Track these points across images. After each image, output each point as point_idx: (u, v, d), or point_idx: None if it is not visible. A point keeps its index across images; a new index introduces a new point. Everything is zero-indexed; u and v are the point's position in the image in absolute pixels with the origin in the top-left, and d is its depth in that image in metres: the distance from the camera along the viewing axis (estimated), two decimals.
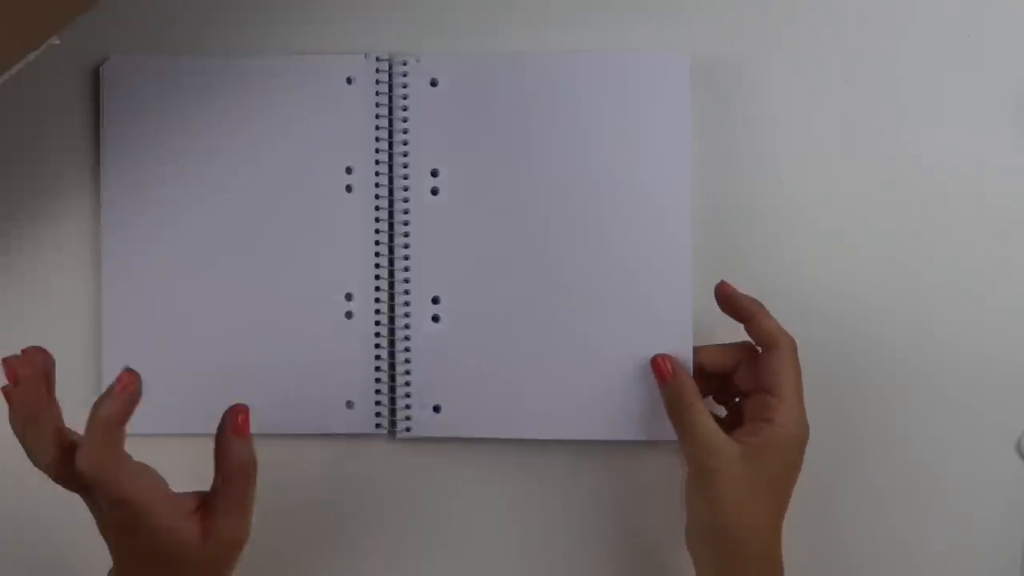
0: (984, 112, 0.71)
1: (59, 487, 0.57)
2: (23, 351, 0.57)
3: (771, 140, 0.71)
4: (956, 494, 0.70)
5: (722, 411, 0.68)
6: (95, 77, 0.70)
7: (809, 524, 0.66)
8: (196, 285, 0.70)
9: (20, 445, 0.56)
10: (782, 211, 0.71)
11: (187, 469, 0.69)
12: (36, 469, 0.57)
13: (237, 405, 0.59)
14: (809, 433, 0.63)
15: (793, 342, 0.64)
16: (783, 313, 0.66)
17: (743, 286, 0.66)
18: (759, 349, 0.65)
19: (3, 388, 0.56)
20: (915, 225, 0.71)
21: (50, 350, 0.69)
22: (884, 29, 0.71)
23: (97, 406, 0.55)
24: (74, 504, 0.58)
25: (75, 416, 0.69)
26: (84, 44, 0.70)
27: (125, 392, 0.56)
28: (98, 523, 0.58)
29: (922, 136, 0.71)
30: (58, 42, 0.58)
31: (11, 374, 0.56)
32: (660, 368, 0.66)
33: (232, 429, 0.58)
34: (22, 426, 0.56)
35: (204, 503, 0.58)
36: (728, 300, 0.66)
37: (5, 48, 0.56)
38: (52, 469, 0.56)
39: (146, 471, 0.57)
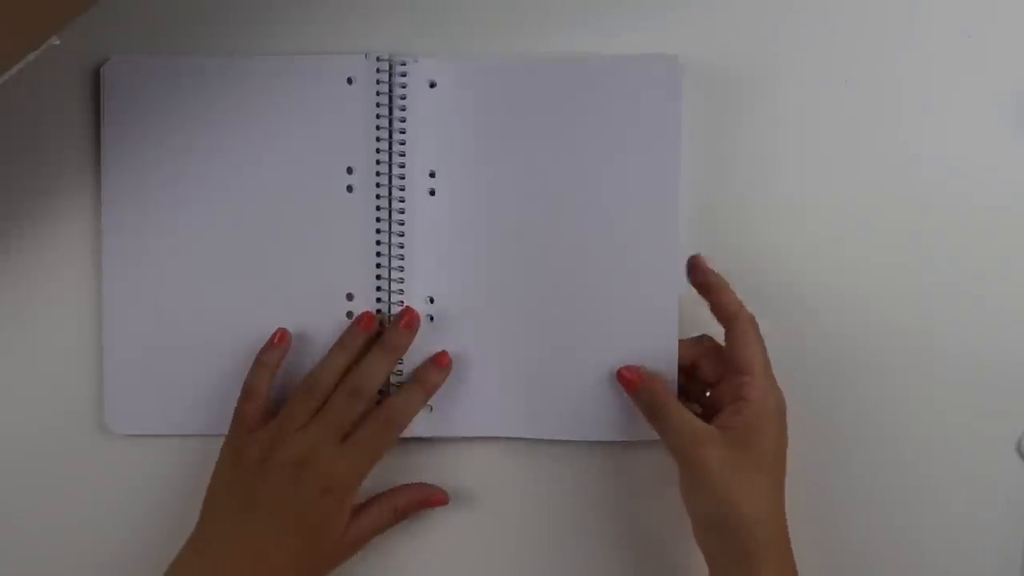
0: (984, 112, 0.71)
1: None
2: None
3: (770, 140, 0.71)
4: (956, 494, 0.70)
5: (697, 409, 0.67)
6: (96, 78, 0.70)
7: (808, 525, 0.66)
8: (197, 286, 0.70)
9: None
10: (780, 211, 0.71)
11: (185, 470, 0.70)
12: None
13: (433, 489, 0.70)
14: (785, 402, 0.63)
15: (752, 317, 0.65)
16: (781, 313, 0.66)
17: (739, 286, 0.66)
18: (718, 340, 0.66)
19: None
20: (915, 225, 0.71)
21: (50, 350, 0.70)
22: (884, 29, 0.71)
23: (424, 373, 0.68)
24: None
25: (72, 418, 0.70)
26: (85, 44, 0.70)
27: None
28: (268, 455, 0.64)
29: (921, 136, 0.71)
30: (58, 42, 0.58)
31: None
32: (626, 379, 0.67)
33: (428, 500, 0.69)
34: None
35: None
36: (696, 271, 0.66)
37: (5, 48, 0.56)
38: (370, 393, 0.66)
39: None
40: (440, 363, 0.68)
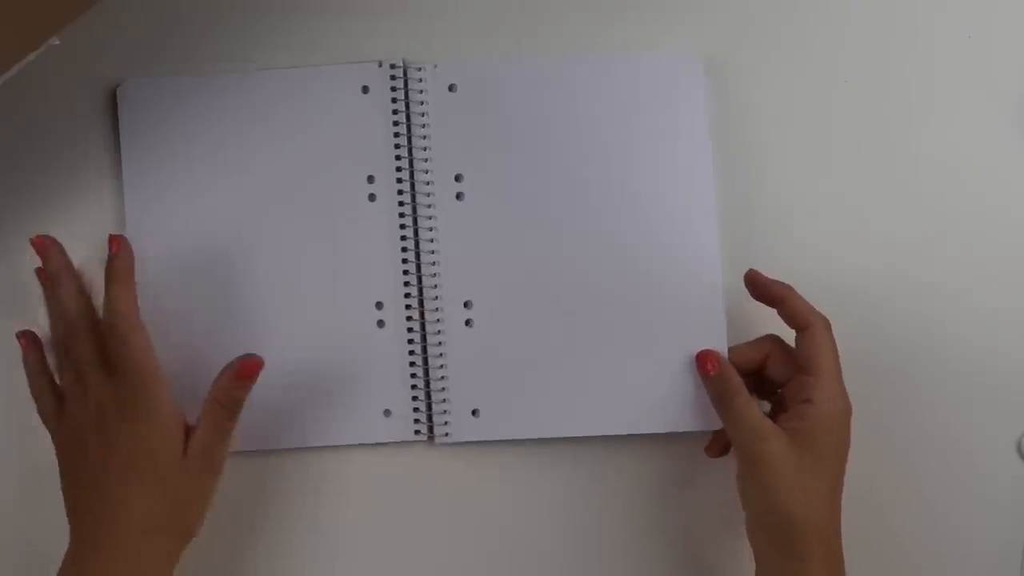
0: (984, 112, 0.72)
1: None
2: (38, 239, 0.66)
3: (770, 140, 0.72)
4: (956, 494, 0.70)
5: (766, 406, 0.67)
6: (113, 99, 0.69)
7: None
8: (225, 303, 0.69)
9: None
10: (777, 211, 0.72)
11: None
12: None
13: (256, 359, 0.63)
14: (851, 408, 0.63)
15: (827, 320, 0.64)
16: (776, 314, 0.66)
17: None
18: (786, 340, 0.66)
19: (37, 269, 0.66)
20: (915, 225, 0.72)
21: None
22: (884, 29, 0.73)
23: (109, 266, 0.64)
24: None
25: None
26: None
27: (122, 248, 0.64)
28: (79, 428, 0.63)
29: (921, 136, 0.72)
30: (58, 42, 0.57)
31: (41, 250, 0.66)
32: (703, 363, 0.67)
33: (241, 372, 0.63)
34: (52, 291, 0.65)
35: (188, 425, 0.63)
36: (757, 286, 0.67)
37: (5, 48, 0.56)
38: (80, 324, 0.64)
39: (153, 349, 0.63)
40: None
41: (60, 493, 0.63)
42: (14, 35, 0.56)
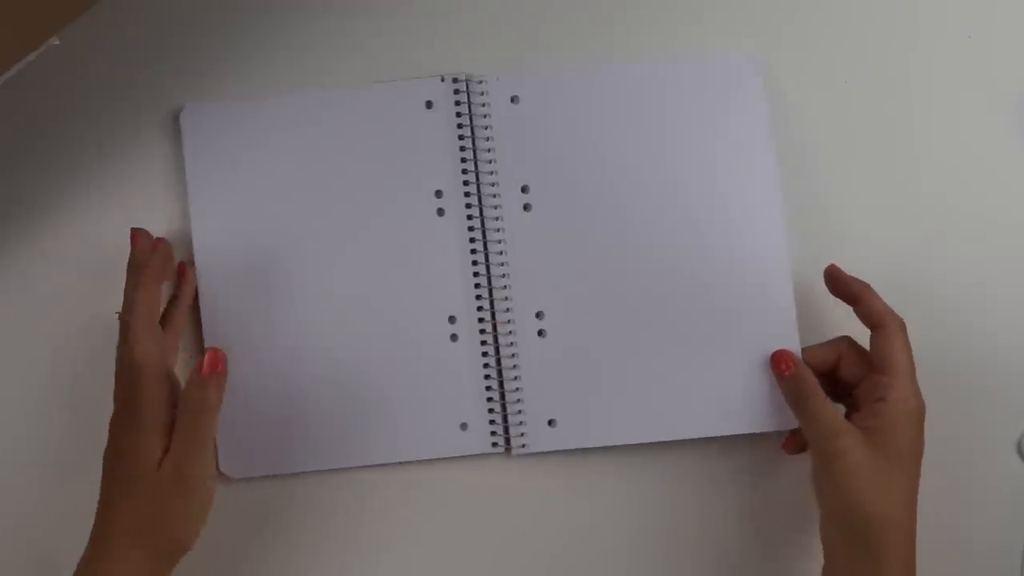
0: (984, 112, 0.72)
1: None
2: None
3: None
4: (956, 494, 0.70)
5: (841, 410, 0.67)
6: (176, 123, 0.70)
7: (809, 525, 0.67)
8: (296, 324, 0.69)
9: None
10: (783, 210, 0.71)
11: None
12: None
13: (217, 350, 0.61)
14: (925, 408, 0.64)
15: (902, 321, 0.65)
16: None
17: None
18: (859, 342, 0.66)
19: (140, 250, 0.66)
20: (915, 225, 0.72)
21: None
22: (884, 29, 0.73)
23: (140, 264, 0.65)
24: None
25: None
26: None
27: (159, 250, 0.65)
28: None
29: (921, 136, 0.72)
30: (58, 42, 0.57)
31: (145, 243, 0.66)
32: (779, 363, 0.67)
33: (207, 369, 0.60)
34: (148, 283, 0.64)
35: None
36: (836, 282, 0.67)
37: (5, 48, 0.56)
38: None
39: (162, 357, 0.62)
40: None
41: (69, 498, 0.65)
42: (14, 35, 0.56)
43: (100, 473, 0.62)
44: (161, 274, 0.66)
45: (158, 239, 0.67)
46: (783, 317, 0.69)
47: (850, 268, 0.68)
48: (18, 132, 0.72)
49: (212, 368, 0.60)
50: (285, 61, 0.71)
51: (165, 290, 0.68)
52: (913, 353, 0.65)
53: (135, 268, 0.65)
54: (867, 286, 0.66)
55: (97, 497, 0.62)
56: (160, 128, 0.71)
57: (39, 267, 0.71)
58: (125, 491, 0.61)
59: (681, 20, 0.73)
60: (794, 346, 0.68)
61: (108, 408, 0.63)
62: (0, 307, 0.71)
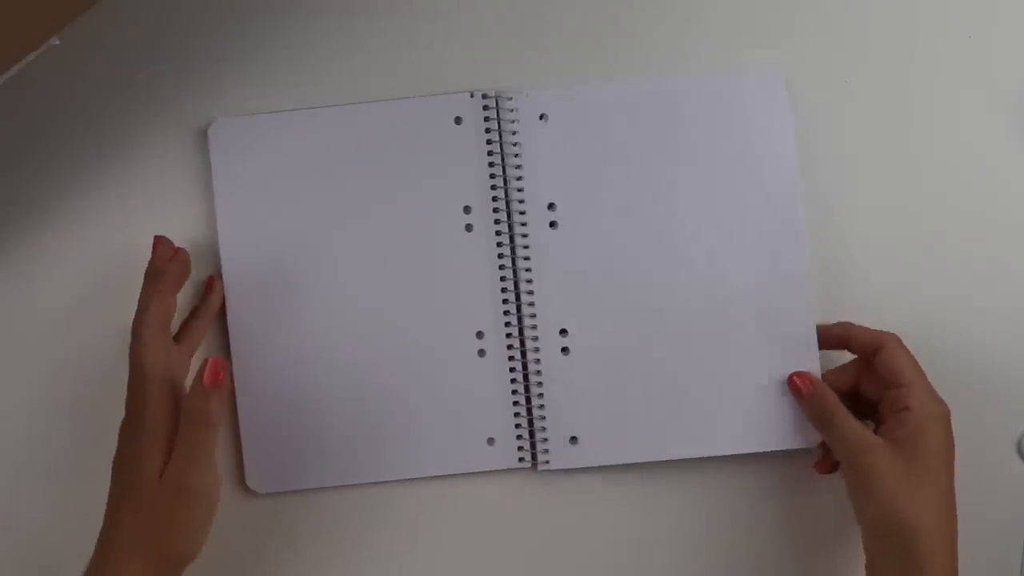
0: (984, 112, 0.72)
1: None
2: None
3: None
4: (956, 494, 0.68)
5: (869, 425, 0.67)
6: (204, 138, 0.70)
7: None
8: (325, 336, 0.69)
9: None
10: None
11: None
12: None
13: (219, 360, 0.60)
14: (950, 410, 0.64)
15: (895, 335, 0.66)
16: None
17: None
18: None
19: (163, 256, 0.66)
20: (915, 225, 0.72)
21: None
22: (884, 29, 0.73)
23: (158, 272, 0.64)
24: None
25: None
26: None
27: (176, 260, 0.65)
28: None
29: (921, 136, 0.72)
30: (58, 42, 0.57)
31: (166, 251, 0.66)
32: (796, 385, 0.68)
33: (208, 380, 0.59)
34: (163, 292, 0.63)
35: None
36: (826, 337, 0.68)
37: (5, 48, 0.56)
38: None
39: (169, 366, 0.62)
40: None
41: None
42: (14, 35, 0.56)
43: (106, 479, 0.62)
44: (177, 284, 0.65)
45: (177, 249, 0.67)
46: (804, 337, 0.69)
47: (850, 268, 0.69)
48: (18, 132, 0.71)
49: (213, 378, 0.59)
50: (284, 61, 0.71)
51: (188, 301, 0.67)
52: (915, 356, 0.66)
53: (153, 276, 0.65)
54: (844, 327, 0.68)
55: (104, 503, 0.61)
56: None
57: (39, 267, 0.70)
58: (129, 499, 0.61)
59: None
60: (814, 363, 0.69)
61: (113, 412, 0.63)
62: (0, 307, 0.70)
